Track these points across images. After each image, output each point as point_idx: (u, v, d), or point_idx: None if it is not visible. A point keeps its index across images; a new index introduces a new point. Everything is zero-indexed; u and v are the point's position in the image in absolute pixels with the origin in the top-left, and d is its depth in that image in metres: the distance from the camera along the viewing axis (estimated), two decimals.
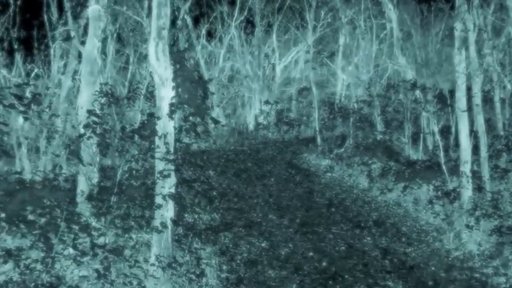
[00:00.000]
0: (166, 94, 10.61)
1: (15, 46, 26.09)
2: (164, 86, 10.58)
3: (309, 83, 30.77)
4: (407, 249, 14.51)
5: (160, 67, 10.57)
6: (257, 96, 32.51)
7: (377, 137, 25.34)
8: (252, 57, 33.58)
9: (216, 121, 12.73)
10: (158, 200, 10.62)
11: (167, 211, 10.64)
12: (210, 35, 36.12)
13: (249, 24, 35.26)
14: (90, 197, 11.32)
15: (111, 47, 26.77)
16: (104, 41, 20.10)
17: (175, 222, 10.97)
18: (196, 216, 16.13)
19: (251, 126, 31.94)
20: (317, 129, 27.74)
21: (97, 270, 8.93)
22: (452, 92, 24.06)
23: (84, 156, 12.04)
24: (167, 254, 10.64)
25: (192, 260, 11.59)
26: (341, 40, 32.25)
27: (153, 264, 10.36)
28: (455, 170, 18.95)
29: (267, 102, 31.80)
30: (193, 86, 10.46)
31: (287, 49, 34.88)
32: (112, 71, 29.37)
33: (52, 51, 22.33)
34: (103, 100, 15.72)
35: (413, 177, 19.84)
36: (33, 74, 27.34)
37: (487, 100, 25.37)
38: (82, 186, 13.58)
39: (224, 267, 13.19)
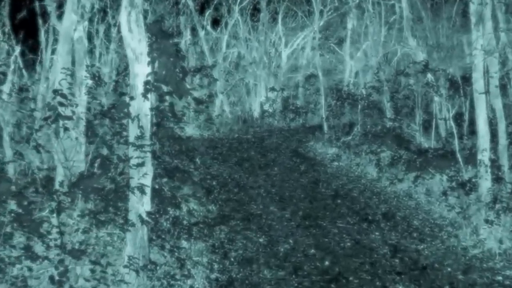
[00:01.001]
0: (140, 70, 8.97)
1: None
2: (138, 61, 8.94)
3: (317, 69, 29.05)
4: (419, 246, 12.83)
5: (133, 40, 8.92)
6: (262, 83, 30.86)
7: (386, 124, 23.60)
8: (258, 43, 31.87)
9: (199, 101, 11.04)
10: (134, 192, 8.99)
11: (142, 205, 9.01)
12: (216, 22, 34.43)
13: (255, 10, 33.54)
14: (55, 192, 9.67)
15: (100, 27, 25.08)
16: (91, 21, 18.41)
17: (153, 217, 9.34)
18: (185, 210, 14.50)
19: (256, 114, 30.29)
20: (324, 116, 26.02)
21: (50, 277, 7.31)
22: (464, 78, 22.39)
23: (65, 144, 10.45)
24: (142, 255, 9.01)
25: (174, 261, 9.90)
26: (349, 25, 30.44)
27: (126, 266, 8.73)
28: (470, 159, 17.27)
29: (272, 89, 30.15)
30: (171, 62, 8.79)
31: (294, 35, 33.09)
32: (105, 54, 27.68)
33: (42, 33, 20.69)
34: (89, 83, 14.19)
35: (425, 166, 18.10)
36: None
37: (503, 84, 23.50)
38: (60, 177, 11.96)
39: (216, 266, 11.60)
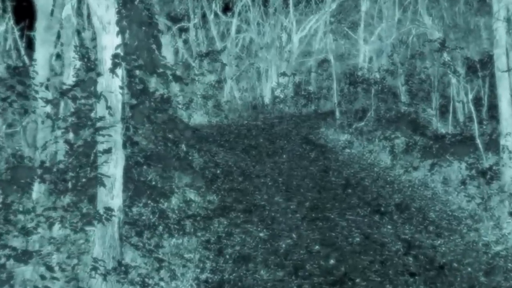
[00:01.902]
0: (108, 42, 7.55)
1: None
2: (105, 31, 7.54)
3: (331, 54, 27.48)
4: (436, 242, 11.36)
5: (99, 7, 7.51)
6: (274, 68, 29.34)
7: (401, 109, 22.03)
8: (269, 28, 30.33)
9: (178, 78, 9.50)
10: (102, 183, 7.59)
11: (112, 199, 7.60)
12: (227, 8, 32.80)
13: None
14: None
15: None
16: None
17: (126, 212, 7.95)
18: (181, 201, 13.12)
19: (267, 100, 28.80)
20: (336, 101, 24.48)
21: None
22: (481, 62, 20.76)
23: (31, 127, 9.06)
24: (112, 255, 7.62)
25: (152, 261, 8.49)
26: (363, 7, 28.73)
27: (94, 268, 7.34)
28: (491, 144, 15.76)
29: (283, 74, 28.62)
30: (143, 31, 7.35)
31: (306, 19, 31.46)
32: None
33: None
34: (78, 65, 12.85)
35: (442, 153, 16.56)
36: None
37: None
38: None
39: (208, 265, 10.22)
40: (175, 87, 26.02)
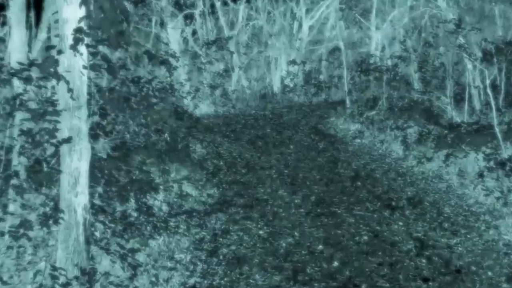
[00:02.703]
0: (70, 15, 6.37)
1: None
2: (67, 2, 6.35)
3: (342, 41, 26.15)
4: (452, 241, 10.15)
5: None
6: (283, 57, 28.07)
7: (414, 97, 20.70)
8: (278, 15, 29.04)
9: (152, 56, 8.28)
10: (63, 178, 6.44)
11: (76, 196, 6.45)
12: None
13: None
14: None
15: None
16: None
17: (94, 212, 6.80)
18: (175, 197, 12.00)
19: (276, 89, 27.56)
20: (346, 90, 23.22)
21: None
22: (497, 49, 19.41)
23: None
24: (76, 262, 6.47)
25: (127, 268, 7.33)
26: None
27: (53, 277, 6.21)
28: (509, 134, 14.51)
29: (293, 62, 27.35)
30: (109, 1, 6.16)
31: (316, 5, 30.05)
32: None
33: None
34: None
35: (457, 143, 15.28)
36: None
37: None
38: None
39: (199, 267, 9.10)
40: (181, 76, 24.91)
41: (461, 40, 16.98)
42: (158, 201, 10.78)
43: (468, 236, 10.34)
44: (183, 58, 25.52)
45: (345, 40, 27.37)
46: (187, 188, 13.10)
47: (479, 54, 17.12)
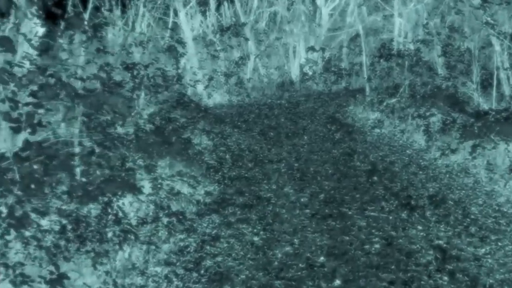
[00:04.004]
0: None
1: None
2: None
3: (363, 28, 24.10)
4: (480, 250, 8.27)
5: None
6: (302, 44, 26.09)
7: (437, 83, 18.62)
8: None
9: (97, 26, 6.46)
10: None
11: None
12: None
13: None
14: None
15: None
16: None
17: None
18: (162, 197, 10.27)
19: (294, 77, 25.63)
20: (366, 77, 21.23)
21: None
22: None
23: None
24: None
25: None
26: None
27: None
28: None
29: (311, 49, 25.37)
30: None
31: None
32: None
33: None
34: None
35: (485, 132, 13.24)
36: None
37: None
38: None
39: (174, 284, 7.35)
40: (194, 63, 23.17)
41: (488, 17, 14.85)
42: (137, 203, 9.05)
43: (499, 243, 8.44)
44: (197, 45, 23.73)
45: (367, 26, 25.36)
46: (181, 185, 11.37)
47: (510, 32, 15.01)
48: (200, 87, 22.03)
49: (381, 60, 20.91)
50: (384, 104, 18.55)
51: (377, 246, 8.49)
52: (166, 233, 8.86)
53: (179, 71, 17.64)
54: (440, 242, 8.58)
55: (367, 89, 20.64)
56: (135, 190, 8.36)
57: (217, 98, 22.59)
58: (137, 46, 18.46)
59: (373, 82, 20.88)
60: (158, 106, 15.29)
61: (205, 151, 14.76)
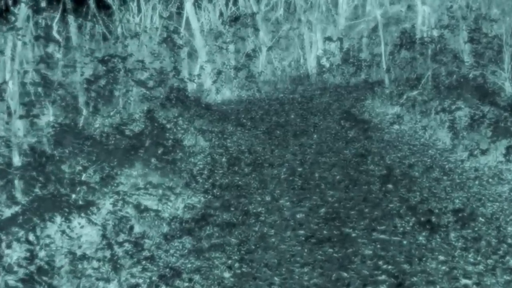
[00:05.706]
0: None
1: None
2: None
3: (384, 18, 21.65)
4: None
5: None
6: (318, 34, 23.65)
7: (464, 72, 16.08)
8: None
9: None
10: None
11: None
12: None
13: None
14: None
15: None
16: None
17: None
18: (121, 217, 8.01)
19: (310, 69, 23.22)
20: (384, 67, 18.72)
21: None
22: None
23: None
24: None
25: None
26: None
27: None
28: None
29: (328, 39, 22.90)
30: None
31: None
32: None
33: None
34: None
35: None
36: None
37: None
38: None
39: None
40: (202, 57, 20.94)
41: None
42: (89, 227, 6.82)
43: None
44: (204, 37, 21.47)
45: (387, 15, 22.90)
46: (153, 200, 9.11)
47: None
48: (208, 82, 19.83)
49: (402, 49, 18.41)
50: (405, 97, 16.04)
51: (383, 287, 6.10)
52: (111, 268, 6.56)
53: (176, 64, 15.36)
54: (468, 281, 6.15)
55: (386, 81, 18.15)
56: (83, 210, 6.14)
57: (226, 93, 20.32)
58: (132, 38, 16.27)
59: (392, 73, 18.38)
60: (146, 104, 13.09)
61: (197, 154, 12.52)
